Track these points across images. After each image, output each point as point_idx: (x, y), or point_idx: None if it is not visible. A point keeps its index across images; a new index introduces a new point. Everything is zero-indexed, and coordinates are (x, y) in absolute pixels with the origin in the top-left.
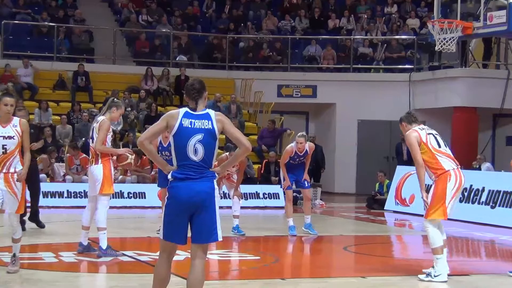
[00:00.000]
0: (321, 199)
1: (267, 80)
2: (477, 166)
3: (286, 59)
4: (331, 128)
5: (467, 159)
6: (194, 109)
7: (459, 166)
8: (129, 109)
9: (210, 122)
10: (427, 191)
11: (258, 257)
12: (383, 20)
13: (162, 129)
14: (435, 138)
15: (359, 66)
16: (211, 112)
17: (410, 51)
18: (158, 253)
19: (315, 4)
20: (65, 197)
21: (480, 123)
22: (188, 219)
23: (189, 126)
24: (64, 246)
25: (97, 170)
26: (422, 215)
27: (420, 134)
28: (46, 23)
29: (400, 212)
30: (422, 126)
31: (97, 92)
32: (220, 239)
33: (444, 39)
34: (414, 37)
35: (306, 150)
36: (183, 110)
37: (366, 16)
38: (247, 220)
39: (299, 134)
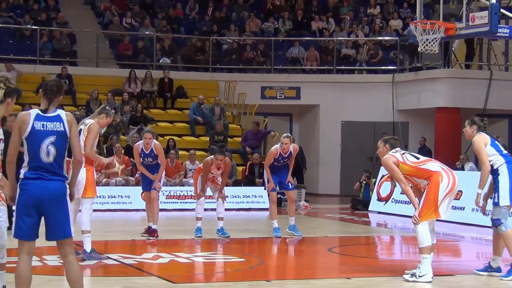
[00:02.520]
0: (305, 201)
1: (251, 82)
2: (461, 166)
3: (270, 61)
4: (315, 129)
5: (450, 159)
6: (45, 111)
7: (449, 168)
8: (113, 111)
9: (62, 124)
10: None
11: (243, 259)
12: (365, 21)
13: (20, 137)
14: (411, 154)
15: (343, 67)
16: (62, 113)
17: (393, 52)
18: (142, 256)
19: (298, 6)
20: None
21: (463, 124)
22: (39, 217)
23: (42, 128)
24: (48, 249)
25: (80, 174)
26: (405, 216)
27: (396, 157)
28: (29, 26)
29: (384, 213)
30: (394, 149)
31: (80, 95)
32: (72, 235)
33: (427, 40)
34: (397, 38)
35: (291, 151)
36: (34, 112)
37: (348, 18)
38: (232, 222)
39: (284, 135)
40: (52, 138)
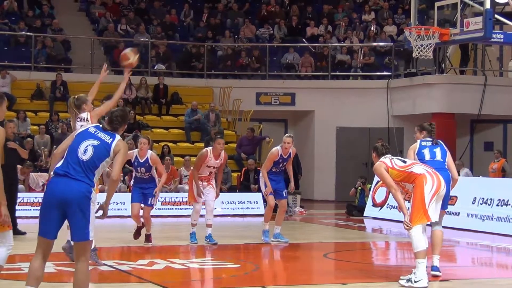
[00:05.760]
0: (300, 206)
1: (246, 88)
2: None
3: (265, 67)
4: (310, 135)
5: None
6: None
7: (434, 170)
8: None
9: (112, 139)
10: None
11: (238, 265)
12: (360, 27)
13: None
14: (399, 159)
15: (337, 73)
16: (118, 136)
17: (388, 58)
18: (137, 262)
19: (293, 12)
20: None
21: (458, 129)
22: (61, 216)
23: (92, 132)
24: None
25: None
26: (400, 221)
27: (386, 163)
28: (24, 32)
29: (379, 219)
30: (384, 156)
31: None
32: (90, 238)
33: (421, 45)
34: (392, 44)
35: (290, 153)
36: (96, 125)
37: (343, 24)
38: (227, 228)
39: (286, 134)
40: (95, 142)
